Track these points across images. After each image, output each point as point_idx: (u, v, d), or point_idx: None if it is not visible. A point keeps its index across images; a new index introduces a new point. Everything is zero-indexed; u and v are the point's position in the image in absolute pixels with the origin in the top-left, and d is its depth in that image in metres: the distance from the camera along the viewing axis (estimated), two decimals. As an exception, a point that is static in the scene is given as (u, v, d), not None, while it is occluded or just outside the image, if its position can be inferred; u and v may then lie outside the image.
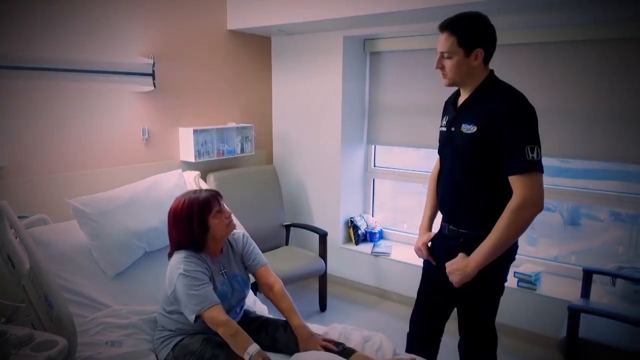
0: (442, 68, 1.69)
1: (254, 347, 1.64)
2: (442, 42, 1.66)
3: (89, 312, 1.93)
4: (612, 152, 2.72)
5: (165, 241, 2.22)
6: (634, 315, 2.08)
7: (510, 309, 2.55)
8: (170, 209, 1.84)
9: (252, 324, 1.88)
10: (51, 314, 1.76)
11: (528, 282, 2.83)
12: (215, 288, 1.78)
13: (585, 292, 2.47)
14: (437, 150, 1.92)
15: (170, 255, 1.85)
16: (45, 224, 2.25)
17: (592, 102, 2.73)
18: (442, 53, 1.67)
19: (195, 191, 1.87)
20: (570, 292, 2.69)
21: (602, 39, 2.63)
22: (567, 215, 3.16)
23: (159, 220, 2.19)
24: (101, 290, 2.02)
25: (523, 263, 2.98)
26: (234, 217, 2.60)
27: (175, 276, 1.72)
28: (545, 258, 3.12)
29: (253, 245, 2.02)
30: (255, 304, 2.27)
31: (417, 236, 2.01)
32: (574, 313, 2.09)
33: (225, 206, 1.88)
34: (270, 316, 1.97)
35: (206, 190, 1.89)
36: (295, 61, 3.64)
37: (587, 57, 2.71)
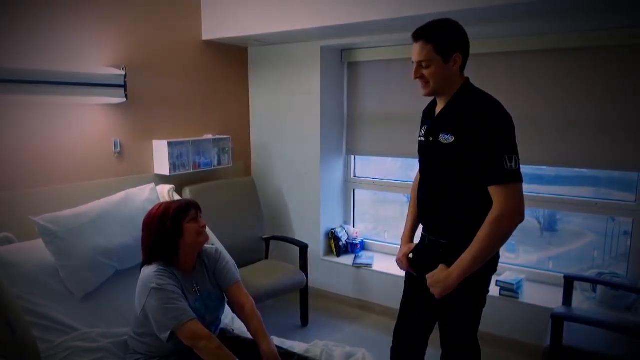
0: (422, 77, 1.67)
1: None
2: (417, 51, 1.64)
3: (56, 336, 1.83)
4: (586, 159, 2.75)
5: (138, 259, 2.14)
6: (618, 322, 2.08)
7: (494, 318, 2.53)
8: (145, 217, 1.79)
9: (230, 345, 1.79)
10: (13, 339, 1.66)
11: (510, 291, 2.82)
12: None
13: (567, 299, 2.47)
14: (417, 160, 1.89)
15: (142, 266, 1.76)
16: (10, 243, 2.15)
17: (566, 110, 2.76)
18: (419, 62, 1.65)
19: (174, 200, 1.82)
20: (552, 299, 2.68)
21: (576, 48, 2.67)
22: (544, 222, 3.19)
23: (131, 236, 2.11)
24: (69, 313, 1.92)
25: (504, 271, 2.97)
26: (209, 231, 2.55)
27: (146, 292, 1.63)
28: (525, 265, 3.13)
29: (226, 260, 1.93)
30: (233, 321, 2.19)
31: (399, 247, 1.97)
32: (557, 321, 2.07)
33: (202, 219, 1.81)
34: (249, 336, 1.88)
35: (186, 199, 1.84)
36: (273, 71, 3.61)
37: (560, 65, 2.74)
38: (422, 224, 1.87)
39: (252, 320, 1.79)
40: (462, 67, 1.67)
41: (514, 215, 1.54)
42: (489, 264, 1.63)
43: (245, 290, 1.90)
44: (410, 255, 1.91)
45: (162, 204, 1.80)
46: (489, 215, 1.56)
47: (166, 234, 1.72)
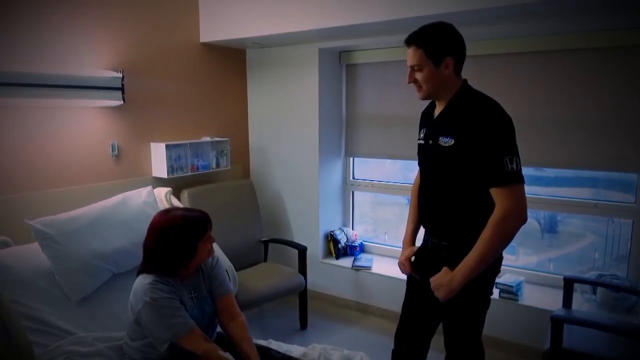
0: (415, 82, 1.68)
1: None
2: (410, 55, 1.66)
3: (51, 340, 1.81)
4: (586, 159, 2.73)
5: (135, 262, 2.11)
6: (618, 324, 2.06)
7: (493, 320, 2.50)
8: (158, 222, 1.66)
9: (225, 349, 1.78)
10: (10, 344, 1.64)
11: (510, 293, 2.80)
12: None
13: (567, 301, 2.45)
14: (417, 163, 1.89)
15: (139, 272, 1.70)
16: (7, 246, 2.13)
17: (566, 111, 2.75)
18: (412, 66, 1.67)
19: (187, 209, 1.75)
20: (552, 301, 2.67)
21: (575, 48, 2.66)
22: (544, 223, 3.17)
23: (127, 240, 2.10)
24: (65, 317, 1.90)
25: (504, 273, 2.95)
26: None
27: (140, 304, 1.60)
28: (524, 267, 3.12)
29: (222, 269, 1.88)
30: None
31: (400, 249, 1.96)
32: (556, 323, 2.06)
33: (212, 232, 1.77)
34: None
35: (198, 210, 1.73)
36: (271, 74, 3.60)
37: (560, 66, 2.73)
38: (424, 227, 1.86)
39: (244, 339, 1.74)
40: (458, 70, 1.66)
41: (517, 216, 1.54)
42: (492, 265, 1.63)
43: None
44: (413, 259, 1.90)
45: (179, 215, 1.67)
46: (491, 216, 1.55)
47: (179, 252, 1.64)
